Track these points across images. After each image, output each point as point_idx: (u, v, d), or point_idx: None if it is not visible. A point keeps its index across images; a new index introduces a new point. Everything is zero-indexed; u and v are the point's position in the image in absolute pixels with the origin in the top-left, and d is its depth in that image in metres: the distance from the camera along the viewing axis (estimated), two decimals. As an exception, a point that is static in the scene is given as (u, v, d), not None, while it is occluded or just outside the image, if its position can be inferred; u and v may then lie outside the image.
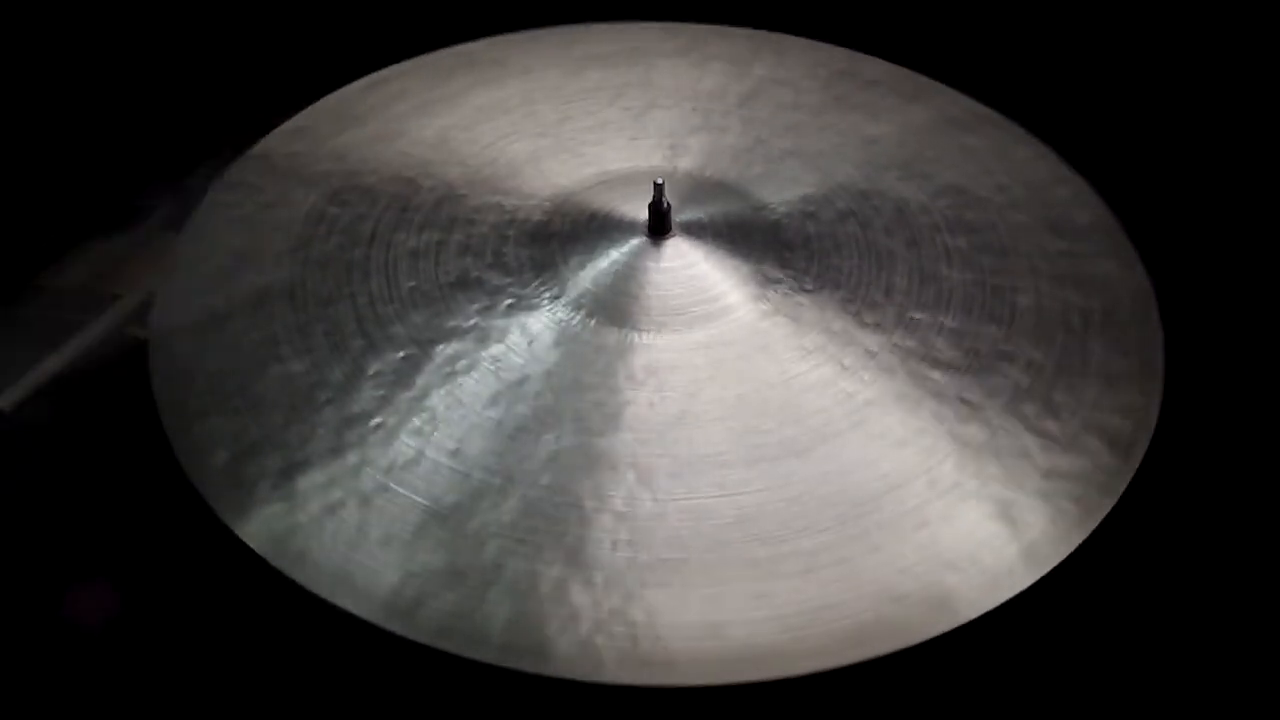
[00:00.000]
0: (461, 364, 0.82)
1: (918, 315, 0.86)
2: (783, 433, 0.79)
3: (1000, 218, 0.94)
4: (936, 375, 0.82)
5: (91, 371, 1.03)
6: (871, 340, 0.84)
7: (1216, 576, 0.94)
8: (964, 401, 0.81)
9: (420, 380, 0.82)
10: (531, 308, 0.85)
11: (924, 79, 1.07)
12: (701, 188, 0.94)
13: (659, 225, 0.88)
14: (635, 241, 0.88)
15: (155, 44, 1.33)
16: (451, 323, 0.84)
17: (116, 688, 0.90)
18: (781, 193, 0.94)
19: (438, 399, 0.81)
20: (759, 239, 0.90)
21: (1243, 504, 0.98)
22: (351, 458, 0.78)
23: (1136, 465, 0.79)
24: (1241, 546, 0.96)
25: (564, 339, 0.83)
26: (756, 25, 1.12)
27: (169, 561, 0.94)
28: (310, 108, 1.03)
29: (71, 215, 1.19)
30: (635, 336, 0.83)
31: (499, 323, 0.84)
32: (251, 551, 0.75)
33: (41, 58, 1.29)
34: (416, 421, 0.80)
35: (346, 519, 0.76)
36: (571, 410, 0.80)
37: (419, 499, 0.76)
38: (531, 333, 0.84)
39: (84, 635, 0.91)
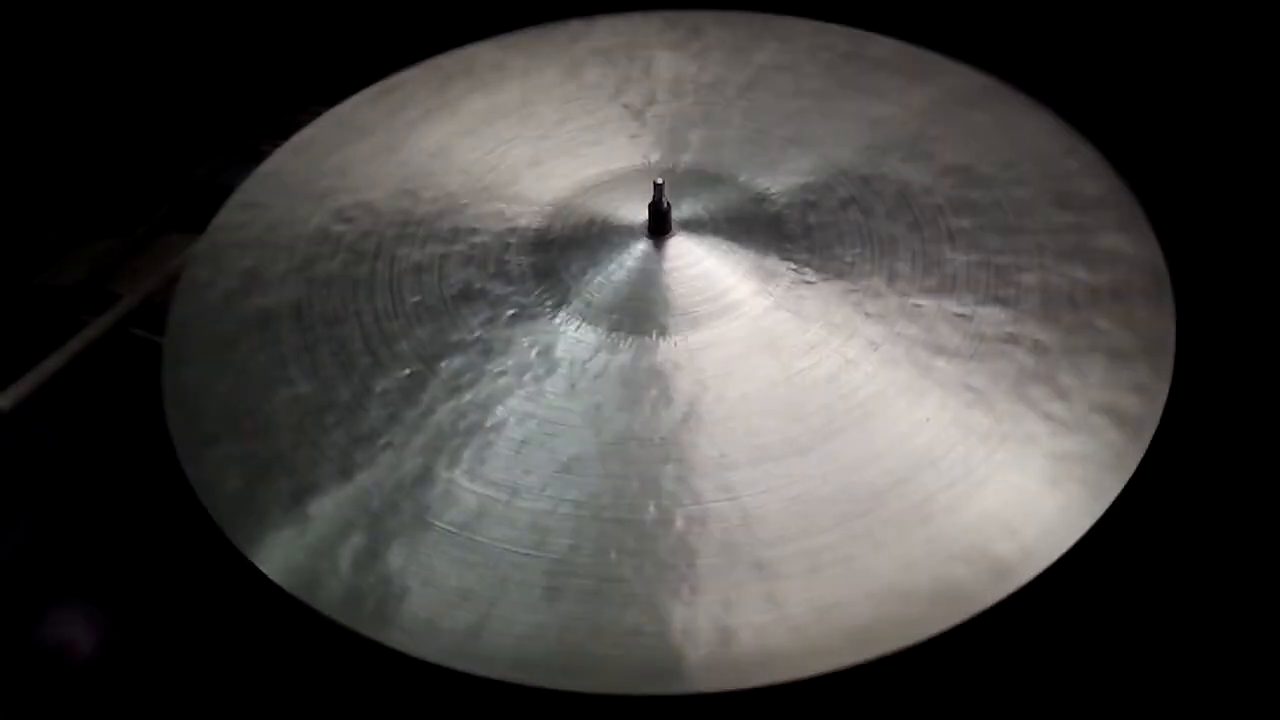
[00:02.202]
0: (466, 378, 0.83)
1: (921, 302, 0.85)
2: (786, 431, 0.79)
3: (1005, 194, 0.92)
4: (941, 363, 0.82)
5: (91, 371, 1.04)
6: (875, 331, 0.83)
7: (1229, 558, 0.93)
8: (969, 388, 0.81)
9: (426, 397, 0.82)
10: (534, 317, 0.85)
11: (930, 54, 1.05)
12: (702, 182, 0.93)
13: (659, 225, 0.88)
14: (636, 244, 0.88)
15: (155, 46, 1.34)
16: (456, 337, 0.85)
17: (121, 706, 0.90)
18: (782, 182, 0.93)
19: (444, 415, 0.81)
20: (760, 232, 0.89)
21: (1256, 484, 0.96)
22: (361, 478, 0.79)
23: (1146, 444, 0.78)
24: (1255, 528, 0.95)
25: (568, 347, 0.83)
26: (760, 8, 1.11)
27: (170, 564, 0.95)
28: (313, 123, 1.04)
29: (71, 215, 1.20)
30: (637, 341, 0.83)
31: (502, 334, 0.85)
32: (261, 572, 0.76)
33: (43, 59, 1.30)
34: (423, 438, 0.80)
35: (356, 540, 0.76)
36: (577, 420, 0.80)
37: (428, 517, 0.77)
38: (536, 342, 0.84)
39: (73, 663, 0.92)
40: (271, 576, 0.76)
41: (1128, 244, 0.90)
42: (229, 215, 0.98)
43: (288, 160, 1.02)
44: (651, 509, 0.76)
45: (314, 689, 0.90)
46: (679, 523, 0.75)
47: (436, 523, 0.76)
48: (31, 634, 0.92)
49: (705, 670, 0.71)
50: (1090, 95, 1.08)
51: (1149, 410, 0.80)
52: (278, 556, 0.76)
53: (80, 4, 1.32)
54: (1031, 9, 1.32)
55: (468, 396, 0.82)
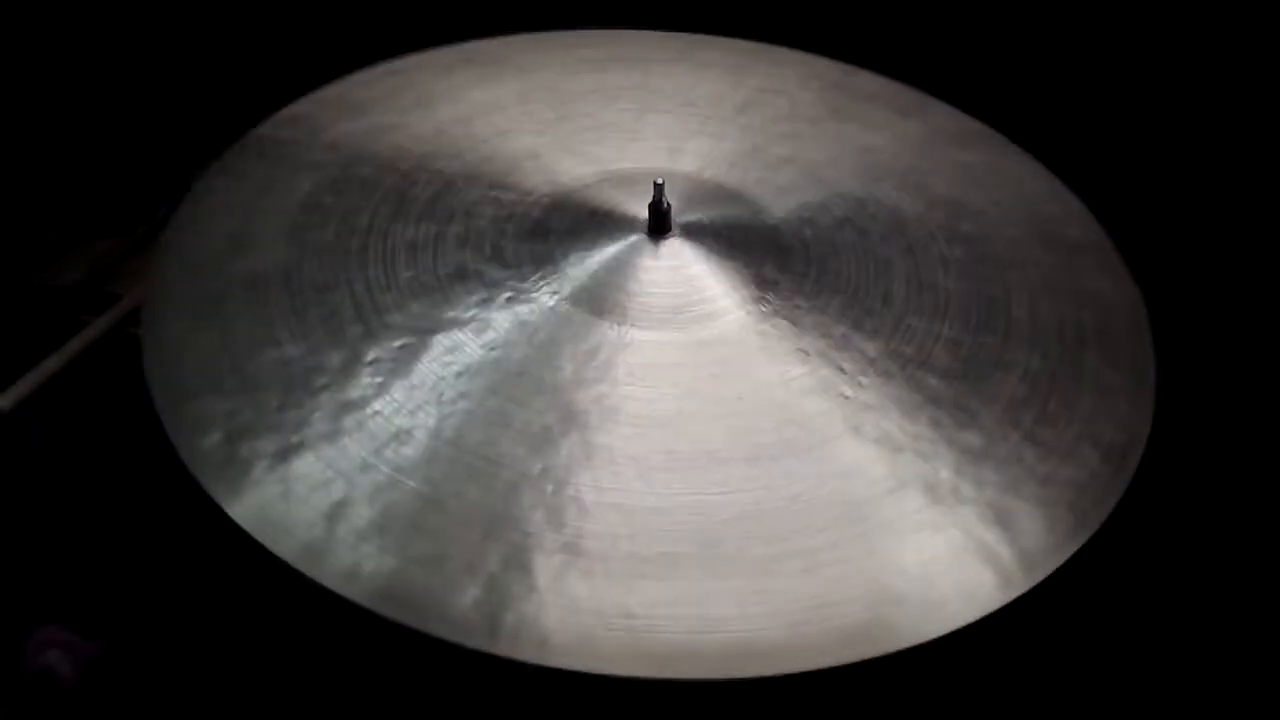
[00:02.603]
0: (460, 354, 0.82)
1: (915, 323, 0.86)
2: (781, 433, 0.79)
3: (994, 231, 0.94)
4: (934, 382, 0.83)
5: (91, 371, 1.02)
6: (870, 346, 0.84)
7: (1209, 584, 0.95)
8: (961, 408, 0.82)
9: (418, 368, 0.81)
10: (530, 300, 0.85)
11: (917, 93, 1.08)
12: (700, 190, 0.94)
13: (659, 225, 0.88)
14: (634, 239, 0.88)
15: (155, 45, 1.33)
16: (450, 313, 0.84)
17: (123, 702, 0.89)
18: (779, 199, 0.94)
19: (436, 388, 0.80)
20: (757, 243, 0.90)
21: (1234, 514, 0.99)
22: (348, 443, 0.77)
23: (1130, 476, 0.80)
24: (1233, 554, 0.97)
25: (563, 331, 0.83)
26: (749, 38, 1.13)
27: (168, 561, 0.93)
28: (304, 98, 1.02)
29: (71, 215, 1.18)
30: (634, 333, 0.83)
31: (497, 315, 0.84)
32: (246, 541, 0.74)
33: (42, 57, 1.28)
34: (414, 410, 0.79)
35: (343, 505, 0.75)
36: (570, 403, 0.79)
37: (417, 486, 0.75)
38: (530, 324, 0.83)
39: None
40: (250, 531, 0.74)
41: (1109, 286, 0.92)
42: (210, 180, 0.96)
43: (272, 132, 1.00)
44: (645, 498, 0.75)
45: (294, 653, 0.89)
46: (672, 513, 0.75)
47: (425, 492, 0.75)
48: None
49: (692, 657, 0.70)
50: (1070, 140, 1.10)
51: (1133, 443, 0.82)
52: (259, 513, 0.75)
53: (80, 4, 1.31)
54: (1008, 56, 1.35)
55: (461, 372, 0.81)
